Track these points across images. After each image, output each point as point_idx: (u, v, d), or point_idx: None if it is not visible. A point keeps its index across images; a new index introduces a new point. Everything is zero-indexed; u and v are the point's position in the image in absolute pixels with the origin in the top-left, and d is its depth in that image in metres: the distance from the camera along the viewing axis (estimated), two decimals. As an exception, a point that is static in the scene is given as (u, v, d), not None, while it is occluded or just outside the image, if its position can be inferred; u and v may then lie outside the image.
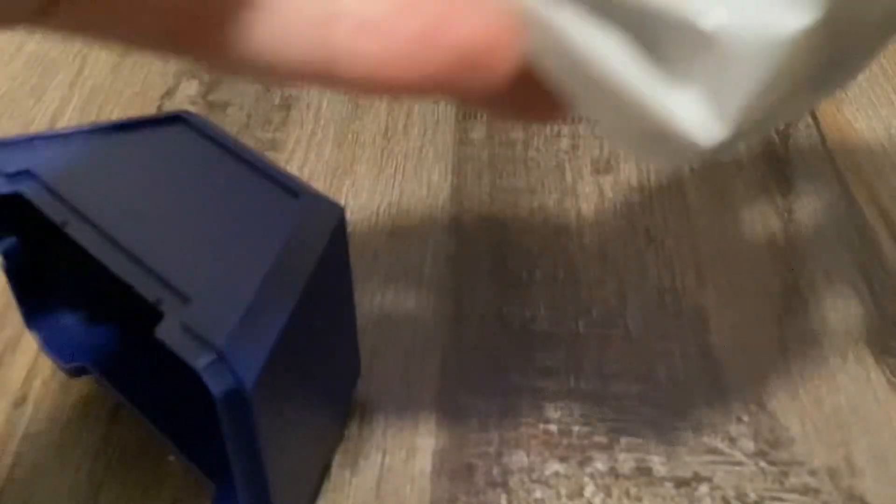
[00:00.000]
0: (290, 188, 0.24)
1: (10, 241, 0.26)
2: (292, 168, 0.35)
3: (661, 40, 0.14)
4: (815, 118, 0.37)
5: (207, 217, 0.23)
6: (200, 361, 0.19)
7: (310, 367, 0.23)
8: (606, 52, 0.14)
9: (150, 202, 0.24)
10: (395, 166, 0.35)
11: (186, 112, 0.26)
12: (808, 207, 0.33)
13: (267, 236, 0.22)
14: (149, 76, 0.39)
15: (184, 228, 0.23)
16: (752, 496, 0.25)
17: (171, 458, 0.26)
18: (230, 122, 0.37)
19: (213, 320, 0.20)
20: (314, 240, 0.23)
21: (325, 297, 0.23)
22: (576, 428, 0.27)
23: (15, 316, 0.28)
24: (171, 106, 0.37)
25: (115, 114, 0.37)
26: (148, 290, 0.21)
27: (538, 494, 0.25)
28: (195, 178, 0.24)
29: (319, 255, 0.22)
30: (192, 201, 0.24)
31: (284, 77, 0.13)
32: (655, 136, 0.15)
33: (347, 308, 0.25)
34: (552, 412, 0.27)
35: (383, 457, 0.26)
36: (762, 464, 0.26)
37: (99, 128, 0.26)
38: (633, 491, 0.25)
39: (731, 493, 0.25)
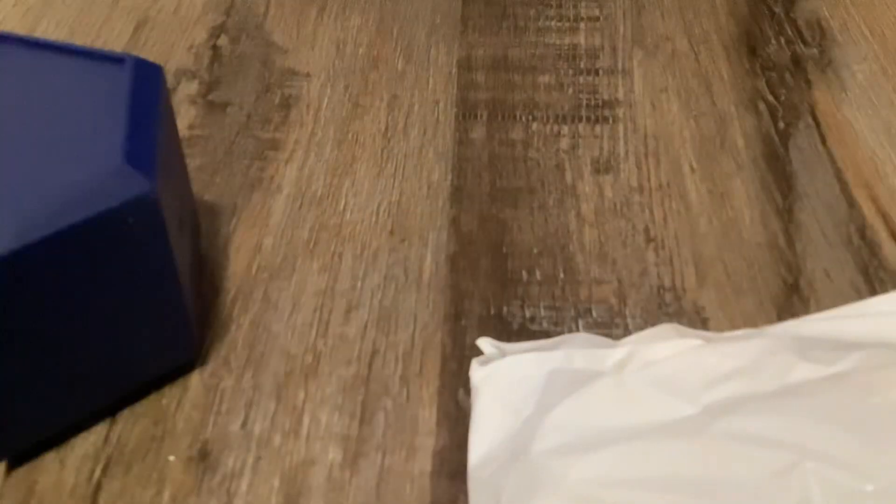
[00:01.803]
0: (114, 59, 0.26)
1: None
2: (292, 168, 0.35)
3: None
4: (815, 118, 0.37)
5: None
6: None
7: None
8: None
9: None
10: (395, 166, 0.35)
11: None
12: (808, 207, 0.33)
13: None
14: (149, 76, 0.39)
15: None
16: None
17: (171, 458, 0.26)
18: (230, 122, 0.37)
19: None
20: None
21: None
22: (576, 428, 0.27)
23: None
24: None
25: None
26: None
27: (538, 494, 0.25)
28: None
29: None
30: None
31: None
32: None
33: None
34: (552, 412, 0.27)
35: (383, 457, 0.26)
36: (762, 464, 0.26)
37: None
38: (632, 491, 0.25)
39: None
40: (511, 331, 0.29)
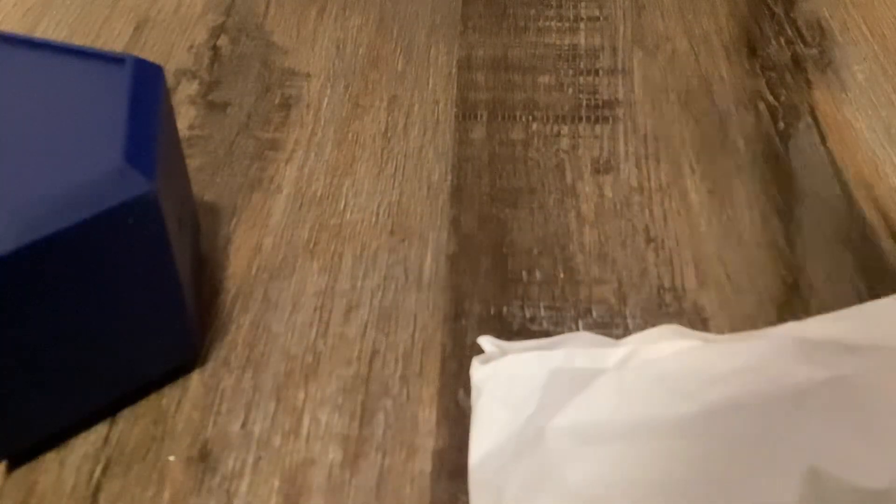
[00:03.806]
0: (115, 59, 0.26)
1: None
2: (292, 168, 0.35)
3: None
4: (814, 118, 0.37)
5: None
6: None
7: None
8: None
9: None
10: (395, 166, 0.35)
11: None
12: (808, 207, 0.33)
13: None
14: (149, 76, 0.39)
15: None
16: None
17: (171, 458, 0.26)
18: (230, 122, 0.37)
19: None
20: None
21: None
22: (576, 428, 0.27)
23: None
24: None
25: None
26: None
27: (538, 494, 0.25)
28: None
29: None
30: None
31: None
32: None
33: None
34: (552, 412, 0.27)
35: (383, 457, 0.26)
36: (762, 464, 0.26)
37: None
38: (633, 491, 0.25)
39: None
40: (511, 331, 0.29)
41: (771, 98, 0.38)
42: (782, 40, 0.41)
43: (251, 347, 0.29)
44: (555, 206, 0.34)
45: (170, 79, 0.39)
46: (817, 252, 0.32)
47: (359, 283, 0.31)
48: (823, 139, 0.36)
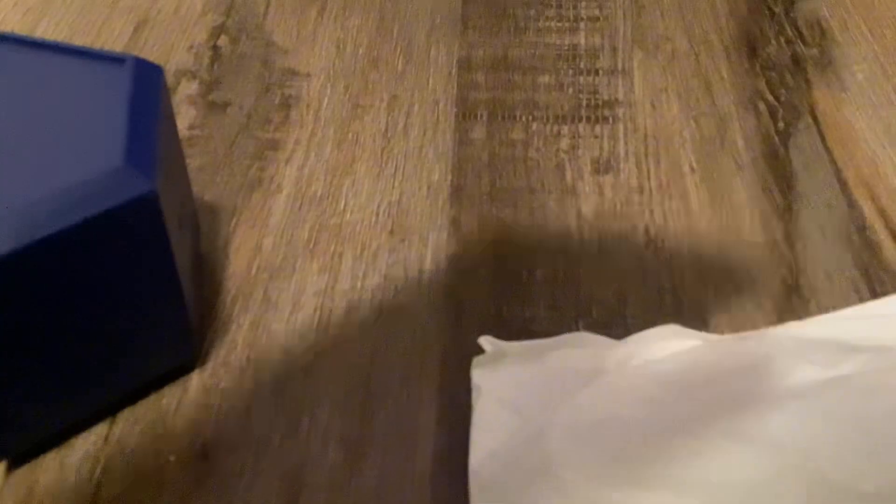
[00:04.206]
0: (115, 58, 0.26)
1: None
2: (292, 168, 0.35)
3: None
4: (814, 118, 0.37)
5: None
6: None
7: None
8: None
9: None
10: (395, 166, 0.35)
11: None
12: (808, 207, 0.33)
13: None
14: (149, 76, 0.39)
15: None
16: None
17: (171, 458, 0.26)
18: (230, 122, 0.37)
19: None
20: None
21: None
22: (576, 428, 0.27)
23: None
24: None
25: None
26: None
27: (538, 494, 0.25)
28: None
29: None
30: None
31: None
32: None
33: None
34: (552, 412, 0.27)
35: (383, 457, 0.26)
36: (762, 464, 0.26)
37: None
38: (633, 491, 0.25)
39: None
40: (511, 331, 0.29)
41: (771, 98, 0.38)
42: (782, 40, 0.41)
43: (251, 347, 0.29)
44: (555, 206, 0.34)
45: (170, 79, 0.39)
46: (817, 252, 0.32)
47: (359, 283, 0.31)
48: (823, 139, 0.36)
